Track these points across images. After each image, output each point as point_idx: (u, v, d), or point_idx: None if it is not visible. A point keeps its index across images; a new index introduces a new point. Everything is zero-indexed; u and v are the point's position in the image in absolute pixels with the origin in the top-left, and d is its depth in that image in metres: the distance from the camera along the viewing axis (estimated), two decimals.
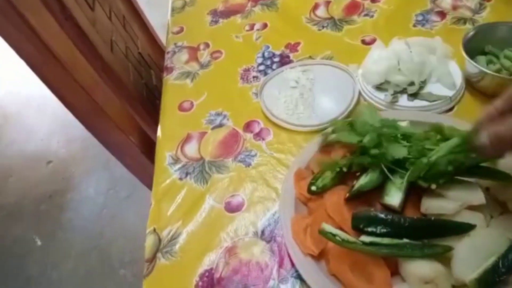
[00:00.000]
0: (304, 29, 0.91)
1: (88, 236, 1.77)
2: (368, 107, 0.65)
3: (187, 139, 0.75)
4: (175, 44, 0.96)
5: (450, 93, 0.68)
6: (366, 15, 0.90)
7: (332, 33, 0.89)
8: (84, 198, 1.94)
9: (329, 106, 0.73)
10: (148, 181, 0.73)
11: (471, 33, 0.70)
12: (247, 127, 0.75)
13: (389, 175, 0.52)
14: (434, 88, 0.70)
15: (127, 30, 1.00)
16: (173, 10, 1.07)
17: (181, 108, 0.81)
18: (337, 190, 0.56)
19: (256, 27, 0.95)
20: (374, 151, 0.54)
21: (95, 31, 0.75)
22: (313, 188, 0.56)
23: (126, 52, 0.93)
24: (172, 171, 0.70)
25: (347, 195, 0.54)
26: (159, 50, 1.19)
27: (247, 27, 0.96)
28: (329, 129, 0.64)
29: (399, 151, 0.53)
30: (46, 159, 2.15)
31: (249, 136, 0.73)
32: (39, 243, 1.79)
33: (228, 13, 1.01)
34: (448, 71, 0.71)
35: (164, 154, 0.73)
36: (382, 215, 0.50)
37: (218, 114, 0.78)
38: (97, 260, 1.66)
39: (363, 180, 0.53)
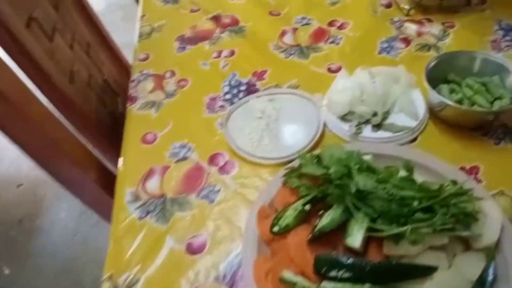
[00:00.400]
0: (271, 57, 0.91)
1: (60, 262, 1.70)
2: (334, 144, 0.64)
3: (149, 174, 0.72)
4: (140, 72, 0.94)
5: (413, 123, 0.68)
6: (332, 42, 0.90)
7: (298, 61, 0.88)
8: (55, 223, 1.87)
9: (294, 137, 0.72)
10: (109, 217, 0.70)
11: (434, 62, 0.70)
12: (212, 160, 0.73)
13: (352, 210, 0.51)
14: (398, 118, 0.70)
15: (91, 57, 0.97)
16: (140, 36, 1.05)
17: (144, 141, 0.78)
18: (300, 230, 0.54)
19: (223, 54, 0.94)
20: (339, 182, 0.52)
21: (52, 64, 0.72)
22: (275, 229, 0.54)
23: (89, 81, 0.90)
24: (132, 210, 0.67)
25: (309, 236, 0.52)
26: (128, 74, 1.17)
27: (214, 54, 0.94)
28: (295, 163, 0.62)
29: (367, 181, 0.51)
30: (16, 182, 2.08)
31: (213, 170, 0.71)
32: (7, 271, 1.71)
33: (196, 39, 1.00)
34: (411, 101, 0.71)
35: (124, 191, 0.70)
36: (343, 259, 0.48)
37: (182, 146, 0.76)
38: (69, 287, 1.60)
39: (325, 220, 0.52)
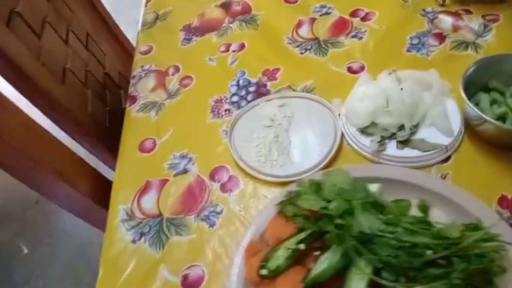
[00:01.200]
0: (285, 52, 0.81)
1: (76, 244, 1.70)
2: (339, 168, 0.54)
3: (146, 188, 0.66)
4: (142, 67, 0.86)
5: (446, 140, 0.59)
6: (354, 36, 0.80)
7: (315, 58, 0.78)
8: None
9: (307, 152, 0.63)
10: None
11: (472, 69, 0.60)
12: (214, 174, 0.65)
13: (352, 255, 0.42)
14: (428, 133, 0.60)
15: (90, 49, 0.90)
16: (143, 24, 0.96)
17: (142, 148, 0.72)
18: (292, 275, 0.46)
19: (232, 47, 0.85)
20: (340, 221, 0.44)
21: (39, 64, 0.65)
22: (264, 271, 0.46)
23: (86, 79, 0.83)
24: (125, 231, 0.61)
25: (302, 285, 0.44)
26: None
27: (222, 48, 0.85)
28: (293, 188, 0.54)
29: (373, 222, 0.43)
30: None
31: (215, 186, 0.64)
32: (25, 250, 1.73)
33: (203, 29, 0.90)
34: (445, 113, 0.61)
35: (118, 207, 0.64)
36: None
37: (183, 157, 0.69)
38: (84, 269, 1.60)
39: (320, 266, 0.44)
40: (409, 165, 0.58)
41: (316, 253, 0.45)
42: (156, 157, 0.70)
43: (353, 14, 0.84)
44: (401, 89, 0.63)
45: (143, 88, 0.82)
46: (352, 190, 0.47)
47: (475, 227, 0.43)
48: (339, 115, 0.66)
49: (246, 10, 0.92)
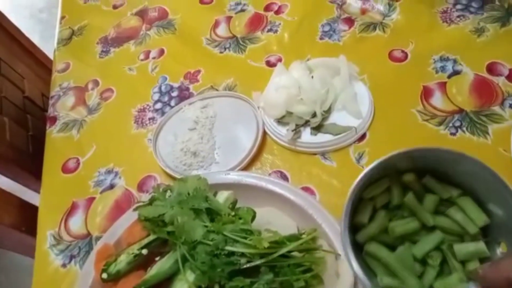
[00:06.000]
0: (205, 53, 0.81)
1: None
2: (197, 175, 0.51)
3: (72, 209, 0.64)
4: (60, 86, 0.83)
5: (356, 122, 0.61)
6: (270, 30, 0.81)
7: (234, 56, 0.79)
8: None
9: (232, 149, 0.64)
10: None
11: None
12: (142, 185, 0.65)
13: (181, 261, 0.42)
14: (340, 117, 0.63)
15: (5, 75, 0.85)
16: (59, 42, 0.93)
17: (65, 169, 0.69)
18: (132, 278, 0.45)
19: (151, 54, 0.84)
20: (171, 228, 0.44)
21: None
22: (104, 275, 0.45)
23: (1, 105, 0.79)
24: (54, 256, 0.59)
25: None
26: None
27: (141, 56, 0.84)
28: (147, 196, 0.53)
29: (196, 230, 0.43)
30: None
31: (144, 198, 0.63)
32: None
33: (120, 40, 0.89)
34: (354, 96, 0.64)
35: (45, 233, 0.62)
36: None
37: (108, 172, 0.67)
38: None
39: (153, 271, 0.44)
40: (323, 149, 0.60)
41: (157, 258, 0.45)
42: (81, 176, 0.68)
43: (267, 8, 0.85)
44: (312, 77, 0.65)
45: (63, 107, 0.79)
46: (192, 197, 0.46)
47: (294, 237, 0.43)
48: (258, 107, 0.67)
49: (163, 15, 0.91)
